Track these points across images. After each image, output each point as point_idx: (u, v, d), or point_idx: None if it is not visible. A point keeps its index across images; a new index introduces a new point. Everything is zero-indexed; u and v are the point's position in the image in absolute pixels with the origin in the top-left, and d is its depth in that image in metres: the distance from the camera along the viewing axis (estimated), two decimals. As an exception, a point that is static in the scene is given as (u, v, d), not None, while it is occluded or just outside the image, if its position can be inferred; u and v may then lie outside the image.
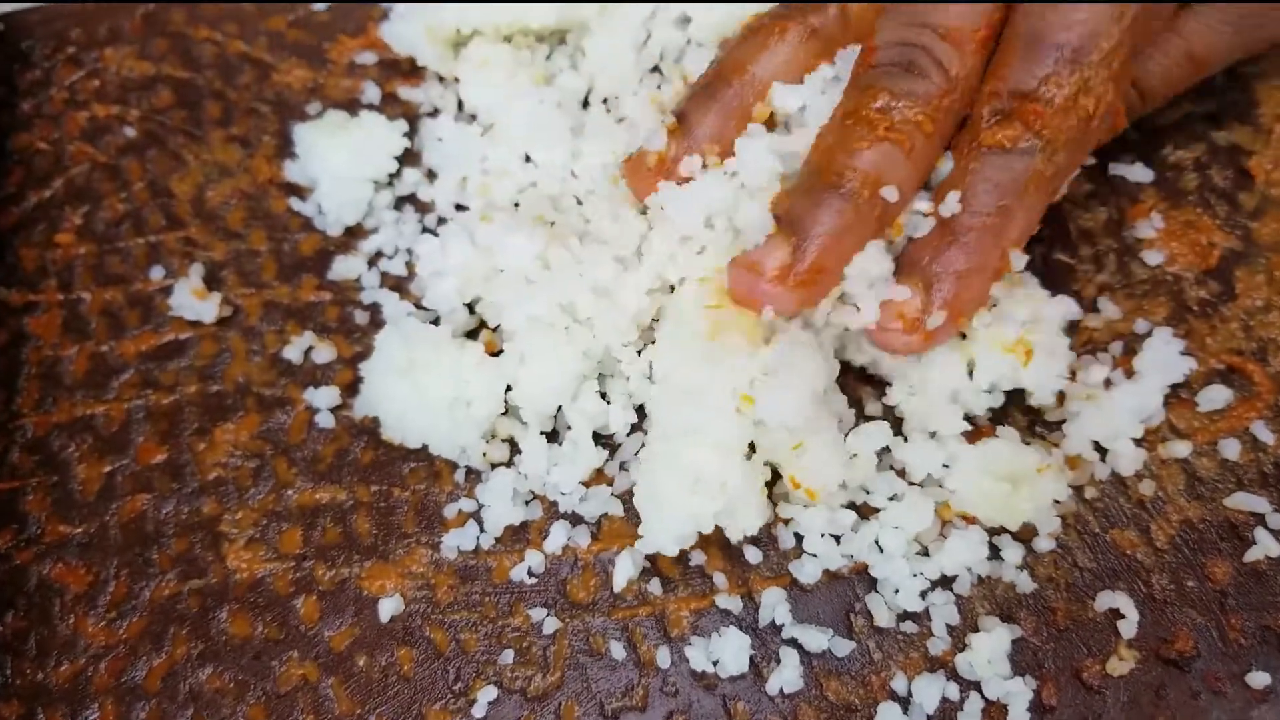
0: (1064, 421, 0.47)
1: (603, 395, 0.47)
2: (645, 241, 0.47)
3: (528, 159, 0.53)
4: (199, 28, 0.62)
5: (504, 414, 0.48)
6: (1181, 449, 0.47)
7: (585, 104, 0.55)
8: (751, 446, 0.44)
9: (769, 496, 0.45)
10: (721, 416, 0.42)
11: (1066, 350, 0.46)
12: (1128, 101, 0.48)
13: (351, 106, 0.58)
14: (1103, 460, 0.47)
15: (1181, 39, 0.47)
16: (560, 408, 0.47)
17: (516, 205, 0.53)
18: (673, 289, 0.47)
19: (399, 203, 0.55)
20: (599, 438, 0.48)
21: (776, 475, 0.46)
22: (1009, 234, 0.43)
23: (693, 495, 0.42)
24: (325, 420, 0.50)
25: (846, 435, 0.45)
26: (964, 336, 0.45)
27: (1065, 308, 0.47)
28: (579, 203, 0.52)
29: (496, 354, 0.48)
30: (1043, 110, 0.41)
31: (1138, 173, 0.54)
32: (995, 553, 0.45)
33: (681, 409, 0.43)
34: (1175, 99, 0.55)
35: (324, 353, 0.52)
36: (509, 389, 0.47)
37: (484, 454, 0.47)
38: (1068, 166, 0.44)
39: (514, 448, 0.48)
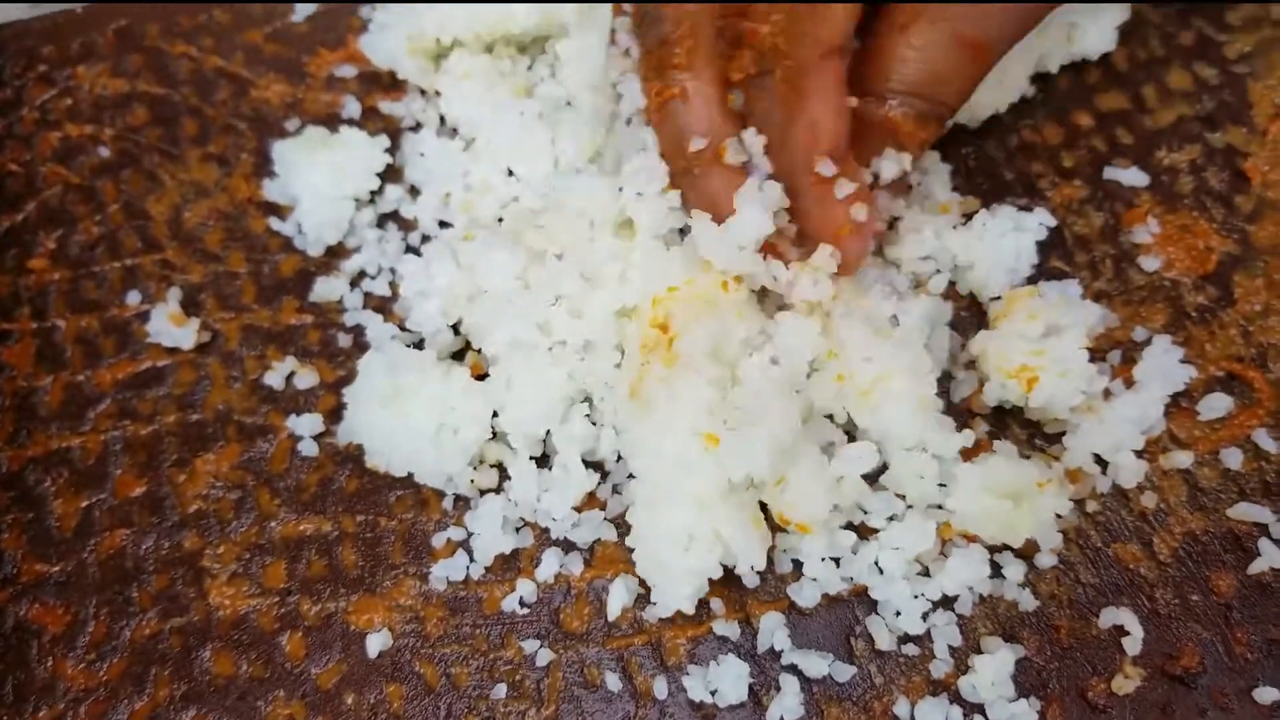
0: (1063, 434, 0.46)
1: (591, 420, 0.45)
2: (626, 260, 0.46)
3: (510, 173, 0.51)
4: (174, 43, 0.59)
5: (492, 439, 0.46)
6: (1183, 459, 0.45)
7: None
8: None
9: (768, 523, 0.43)
10: (692, 466, 0.40)
11: (1085, 366, 0.44)
12: (914, 109, 0.43)
13: (331, 122, 0.56)
14: (1104, 473, 0.45)
15: (945, 22, 0.41)
16: (549, 432, 0.45)
17: (500, 220, 0.51)
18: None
19: (381, 220, 0.53)
20: (589, 461, 0.46)
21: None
22: (818, 146, 0.41)
23: (689, 554, 0.40)
24: (308, 448, 0.48)
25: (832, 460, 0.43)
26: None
27: (1088, 315, 0.45)
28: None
29: (482, 377, 0.46)
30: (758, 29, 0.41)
31: (1132, 176, 0.52)
32: (997, 570, 0.43)
33: (652, 465, 0.41)
34: (1167, 100, 0.54)
35: (306, 378, 0.49)
36: (496, 414, 0.45)
37: (471, 481, 0.45)
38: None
39: (503, 473, 0.46)
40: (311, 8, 0.59)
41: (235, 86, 0.58)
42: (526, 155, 0.51)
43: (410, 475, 0.46)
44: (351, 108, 0.56)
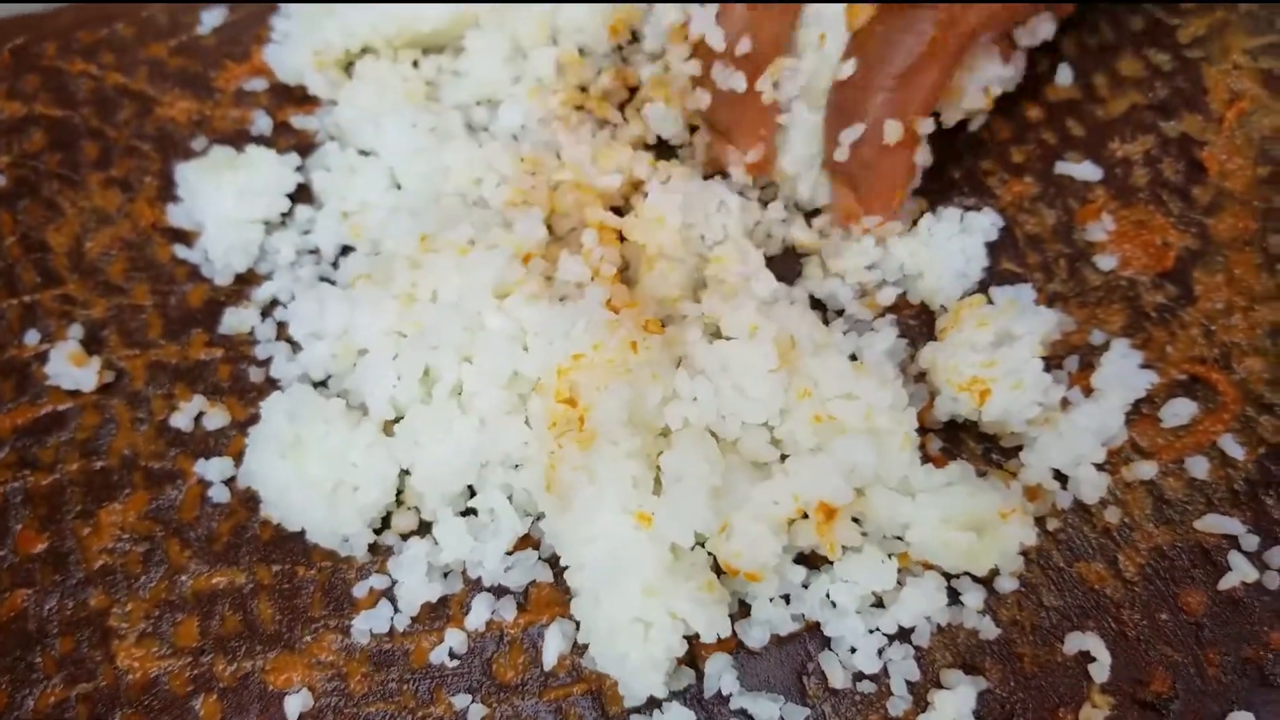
0: (1020, 448, 0.42)
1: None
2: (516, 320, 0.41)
3: (398, 186, 0.47)
4: (73, 60, 0.54)
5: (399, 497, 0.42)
6: (1147, 470, 0.41)
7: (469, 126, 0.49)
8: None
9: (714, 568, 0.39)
10: (630, 549, 0.36)
11: (1039, 375, 0.40)
12: None
13: (240, 139, 0.51)
14: (1064, 488, 0.41)
15: None
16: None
17: (377, 254, 0.46)
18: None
19: (294, 244, 0.48)
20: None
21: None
22: (911, 104, 0.40)
23: (649, 642, 0.36)
24: (219, 494, 0.43)
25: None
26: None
27: (1042, 321, 0.42)
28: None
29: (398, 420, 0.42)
30: None
31: (1085, 170, 0.48)
32: (955, 598, 0.40)
33: (586, 556, 0.37)
34: (1119, 88, 0.50)
35: (216, 418, 0.45)
36: (407, 472, 0.40)
37: (369, 545, 0.41)
38: (975, 27, 0.41)
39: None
40: (219, 18, 0.54)
41: (138, 105, 0.52)
42: (413, 167, 0.46)
43: (303, 532, 0.41)
44: (262, 123, 0.51)
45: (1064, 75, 0.50)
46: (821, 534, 0.37)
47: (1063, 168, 0.48)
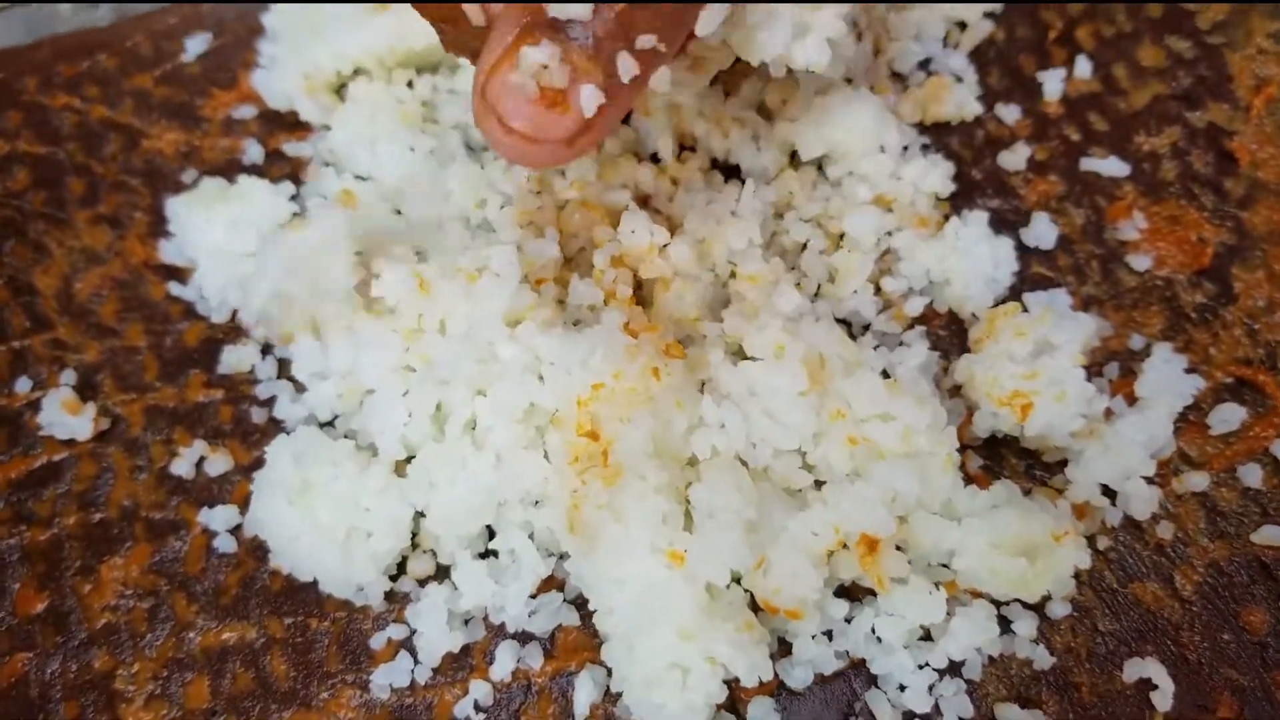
0: (1064, 462, 0.39)
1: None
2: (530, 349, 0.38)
3: (398, 211, 0.44)
4: (55, 95, 0.50)
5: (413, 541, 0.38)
6: (1198, 481, 0.38)
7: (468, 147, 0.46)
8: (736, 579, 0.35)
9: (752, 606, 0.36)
10: (662, 591, 0.33)
11: (1082, 386, 0.37)
12: None
13: (231, 169, 0.47)
14: (1113, 504, 0.38)
15: None
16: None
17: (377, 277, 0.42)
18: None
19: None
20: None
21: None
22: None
23: (687, 690, 0.33)
24: (225, 544, 0.40)
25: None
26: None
27: (1080, 328, 0.38)
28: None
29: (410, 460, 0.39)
30: None
31: (1112, 166, 0.45)
32: (1006, 626, 0.37)
33: (616, 598, 0.34)
34: (1140, 79, 0.47)
35: (218, 463, 0.41)
36: (422, 514, 0.37)
37: (385, 592, 0.38)
38: None
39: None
40: (203, 45, 0.50)
41: (125, 138, 0.49)
42: (412, 193, 0.43)
43: (315, 582, 0.38)
44: (253, 151, 0.48)
45: (1082, 67, 0.47)
46: (866, 568, 0.34)
47: (1088, 164, 0.45)
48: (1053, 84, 0.46)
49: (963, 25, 0.48)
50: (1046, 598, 0.37)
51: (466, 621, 0.38)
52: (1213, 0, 0.47)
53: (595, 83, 0.26)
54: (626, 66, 0.27)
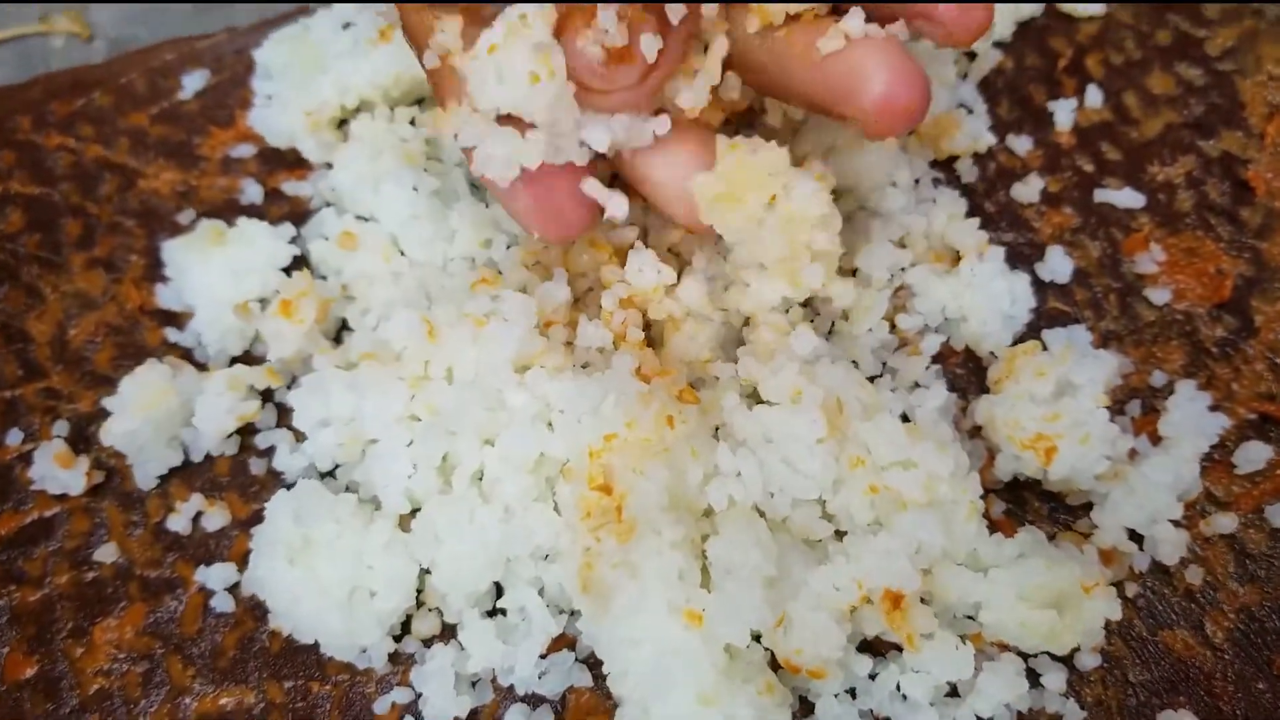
0: (1088, 505, 0.37)
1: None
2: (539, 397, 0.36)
3: (401, 253, 0.42)
4: (49, 134, 0.49)
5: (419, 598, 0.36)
6: (1226, 523, 0.37)
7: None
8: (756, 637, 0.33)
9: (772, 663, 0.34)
10: (679, 652, 0.31)
11: (1106, 426, 0.35)
12: None
13: (229, 210, 0.45)
14: (1141, 549, 0.37)
15: None
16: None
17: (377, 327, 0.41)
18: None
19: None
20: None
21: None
22: None
23: None
24: (223, 603, 0.38)
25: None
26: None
27: (1102, 366, 0.37)
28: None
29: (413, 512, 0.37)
30: None
31: (1126, 197, 0.43)
32: (1034, 679, 0.35)
33: (631, 661, 0.32)
34: (1151, 107, 0.46)
35: (216, 517, 0.39)
36: (428, 571, 0.35)
37: (389, 654, 0.36)
38: None
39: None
40: (201, 81, 0.49)
41: (121, 178, 0.47)
42: (415, 234, 0.41)
43: (316, 644, 0.36)
44: (251, 191, 0.46)
45: (1093, 96, 0.46)
46: (894, 625, 0.32)
47: (1102, 195, 0.43)
48: (1064, 114, 0.45)
49: (971, 55, 0.47)
50: (1075, 649, 0.35)
51: (474, 684, 0.36)
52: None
53: (651, 29, 0.29)
54: (675, 10, 0.30)
